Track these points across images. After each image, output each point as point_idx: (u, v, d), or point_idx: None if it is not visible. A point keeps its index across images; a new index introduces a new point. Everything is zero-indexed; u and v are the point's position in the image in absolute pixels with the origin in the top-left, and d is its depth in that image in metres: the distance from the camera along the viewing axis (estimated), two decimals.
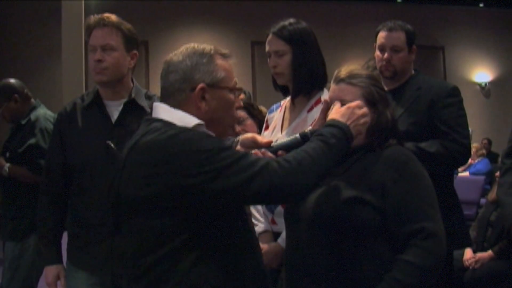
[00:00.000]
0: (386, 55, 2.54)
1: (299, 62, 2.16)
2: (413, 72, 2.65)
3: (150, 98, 2.24)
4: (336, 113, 1.60)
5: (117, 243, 1.48)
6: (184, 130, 1.41)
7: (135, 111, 2.18)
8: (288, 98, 2.31)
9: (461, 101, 2.55)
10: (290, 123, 2.24)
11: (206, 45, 1.55)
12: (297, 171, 1.38)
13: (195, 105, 1.49)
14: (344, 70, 1.71)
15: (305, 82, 2.17)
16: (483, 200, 6.15)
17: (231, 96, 1.55)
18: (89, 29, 2.17)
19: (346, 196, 1.54)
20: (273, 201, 1.45)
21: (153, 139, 1.39)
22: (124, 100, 2.19)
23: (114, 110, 2.19)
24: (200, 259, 1.37)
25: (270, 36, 2.20)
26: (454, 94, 2.54)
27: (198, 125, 1.47)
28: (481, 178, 6.82)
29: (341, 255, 1.53)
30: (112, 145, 2.10)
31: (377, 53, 2.61)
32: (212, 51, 1.53)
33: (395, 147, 1.65)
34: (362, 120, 1.60)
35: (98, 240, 2.11)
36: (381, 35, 2.58)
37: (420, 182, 1.58)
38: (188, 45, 1.56)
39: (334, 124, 1.55)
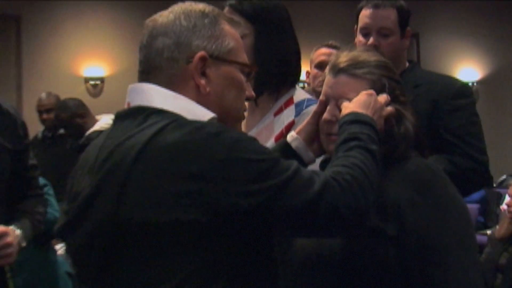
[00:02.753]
0: (371, 40, 2.55)
1: (264, 47, 2.16)
2: (407, 64, 2.70)
3: None
4: (356, 102, 1.60)
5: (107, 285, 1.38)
6: (221, 126, 1.36)
7: None
8: None
9: (473, 103, 2.62)
10: (249, 130, 2.26)
11: (206, 5, 1.52)
12: (356, 191, 1.38)
13: (192, 83, 1.44)
14: (344, 56, 1.69)
15: (272, 75, 2.18)
16: (479, 237, 6.35)
17: (242, 76, 1.52)
18: None
19: None
20: (333, 231, 1.44)
21: (180, 140, 1.31)
22: None
23: None
24: None
25: (226, 9, 2.18)
26: (465, 94, 2.61)
27: (212, 120, 1.43)
28: (474, 207, 6.92)
29: None
30: None
31: (359, 37, 2.62)
32: (216, 12, 1.51)
33: (416, 160, 1.64)
34: (384, 112, 1.63)
35: None
36: (365, 14, 2.60)
37: (449, 210, 1.57)
38: (180, 4, 1.51)
39: (363, 119, 1.55)
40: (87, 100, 5.98)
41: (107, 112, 5.02)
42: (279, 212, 1.32)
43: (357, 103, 1.59)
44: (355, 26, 2.68)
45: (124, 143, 1.36)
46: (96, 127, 4.67)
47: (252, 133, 2.22)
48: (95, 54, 8.82)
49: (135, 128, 1.38)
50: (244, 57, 1.54)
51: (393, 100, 1.65)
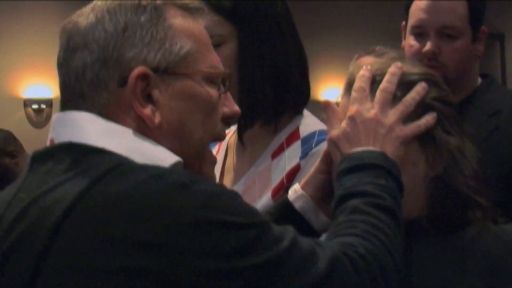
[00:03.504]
0: (428, 44, 2.62)
1: (251, 56, 2.23)
2: (479, 80, 2.76)
3: None
4: (346, 128, 1.61)
5: None
6: (190, 175, 1.34)
7: None
8: (234, 128, 2.32)
9: None
10: (237, 177, 2.33)
11: None
12: (375, 272, 1.40)
13: (133, 114, 1.42)
14: (369, 68, 1.69)
15: (266, 96, 2.22)
16: None
17: (211, 90, 1.48)
18: None
19: None
20: None
21: (130, 191, 1.28)
22: None
23: None
24: None
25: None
26: None
27: (176, 166, 1.40)
28: None
29: None
30: None
31: (410, 40, 2.69)
32: (158, 2, 1.46)
33: (483, 230, 1.67)
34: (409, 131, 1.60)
35: None
36: (419, 6, 2.67)
37: None
38: None
39: (356, 164, 1.57)
40: (27, 130, 6.05)
41: None
42: None
43: (342, 132, 1.62)
44: (403, 23, 2.67)
45: (45, 196, 1.34)
46: None
47: (241, 184, 2.26)
48: (40, 68, 8.88)
49: (62, 175, 1.36)
50: (211, 60, 1.51)
51: (445, 130, 1.64)
